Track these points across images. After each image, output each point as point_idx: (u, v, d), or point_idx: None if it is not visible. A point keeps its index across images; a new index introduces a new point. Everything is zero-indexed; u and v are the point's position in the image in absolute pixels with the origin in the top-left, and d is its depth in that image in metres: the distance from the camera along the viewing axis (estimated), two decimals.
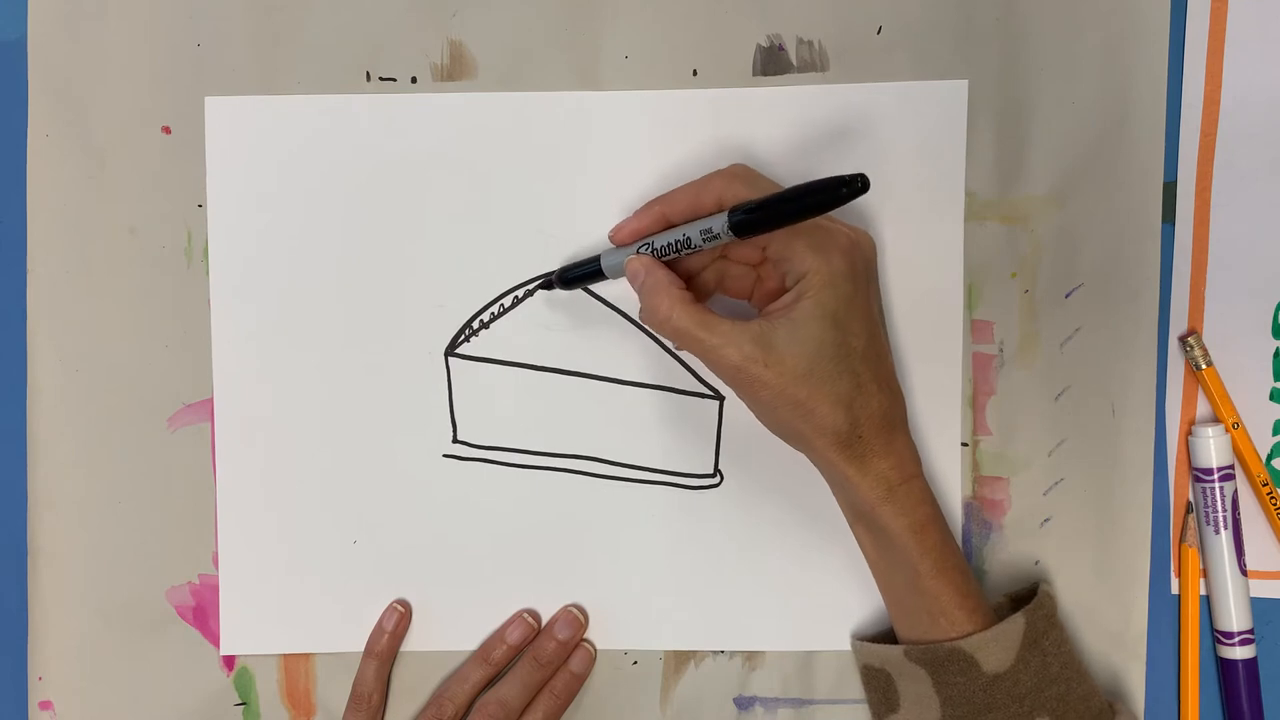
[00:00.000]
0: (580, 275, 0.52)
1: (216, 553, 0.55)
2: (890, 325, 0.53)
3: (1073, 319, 0.53)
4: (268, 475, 0.55)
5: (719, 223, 0.46)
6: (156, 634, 0.55)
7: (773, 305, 0.48)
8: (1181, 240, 0.53)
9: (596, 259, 0.51)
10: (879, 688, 0.51)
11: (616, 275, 0.50)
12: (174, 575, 0.55)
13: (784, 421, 0.47)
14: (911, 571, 0.48)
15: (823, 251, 0.47)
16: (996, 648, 0.47)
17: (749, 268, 0.50)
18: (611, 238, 0.51)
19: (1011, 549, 0.54)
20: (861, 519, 0.49)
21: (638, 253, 0.49)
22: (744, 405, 0.48)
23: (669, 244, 0.48)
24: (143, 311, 0.54)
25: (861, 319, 0.47)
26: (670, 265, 0.49)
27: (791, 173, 0.52)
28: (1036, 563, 0.54)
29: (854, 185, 0.42)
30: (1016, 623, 0.47)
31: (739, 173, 0.49)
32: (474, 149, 0.53)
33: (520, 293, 0.54)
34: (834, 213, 0.44)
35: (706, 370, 0.53)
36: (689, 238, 0.48)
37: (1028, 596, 0.51)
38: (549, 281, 0.53)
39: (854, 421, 0.46)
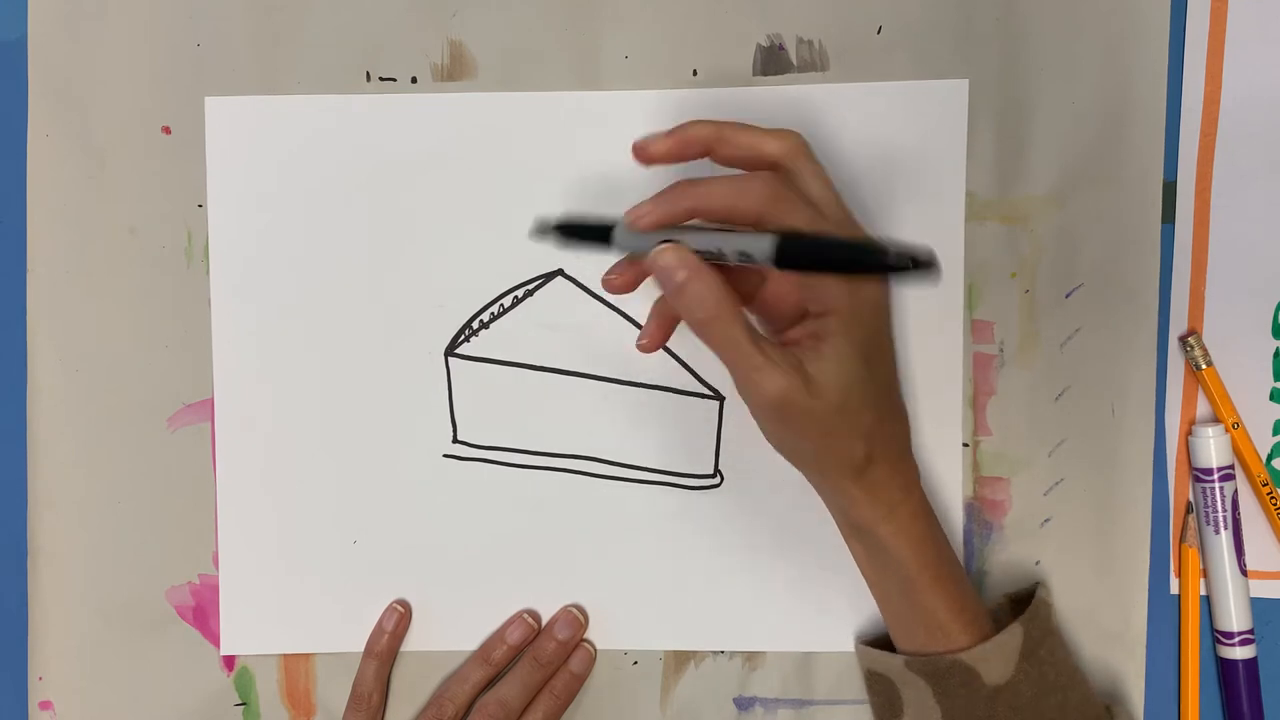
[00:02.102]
0: (582, 235, 0.47)
1: (216, 553, 0.55)
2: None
3: (1073, 319, 0.53)
4: (268, 475, 0.55)
5: (761, 248, 0.42)
6: (156, 634, 0.55)
7: (797, 332, 0.46)
8: (1181, 240, 0.53)
9: (608, 228, 0.46)
10: (883, 693, 0.50)
11: (626, 253, 0.46)
12: (174, 575, 0.55)
13: (802, 450, 0.46)
14: (907, 584, 0.48)
15: (854, 283, 0.44)
16: (997, 660, 0.47)
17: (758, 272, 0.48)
18: (630, 223, 0.45)
19: (1012, 549, 0.54)
20: (857, 534, 0.49)
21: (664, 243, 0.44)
22: (744, 406, 0.48)
23: (698, 252, 0.43)
24: (143, 311, 0.54)
25: (884, 351, 0.47)
26: None
27: None
28: (1037, 563, 0.54)
29: (925, 266, 0.39)
30: (1015, 633, 0.47)
31: (784, 185, 0.44)
32: (474, 149, 0.53)
33: (520, 293, 0.54)
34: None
35: (706, 370, 0.53)
36: (722, 251, 0.43)
37: (1027, 598, 0.51)
38: (543, 225, 0.48)
39: (870, 453, 0.46)
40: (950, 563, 0.48)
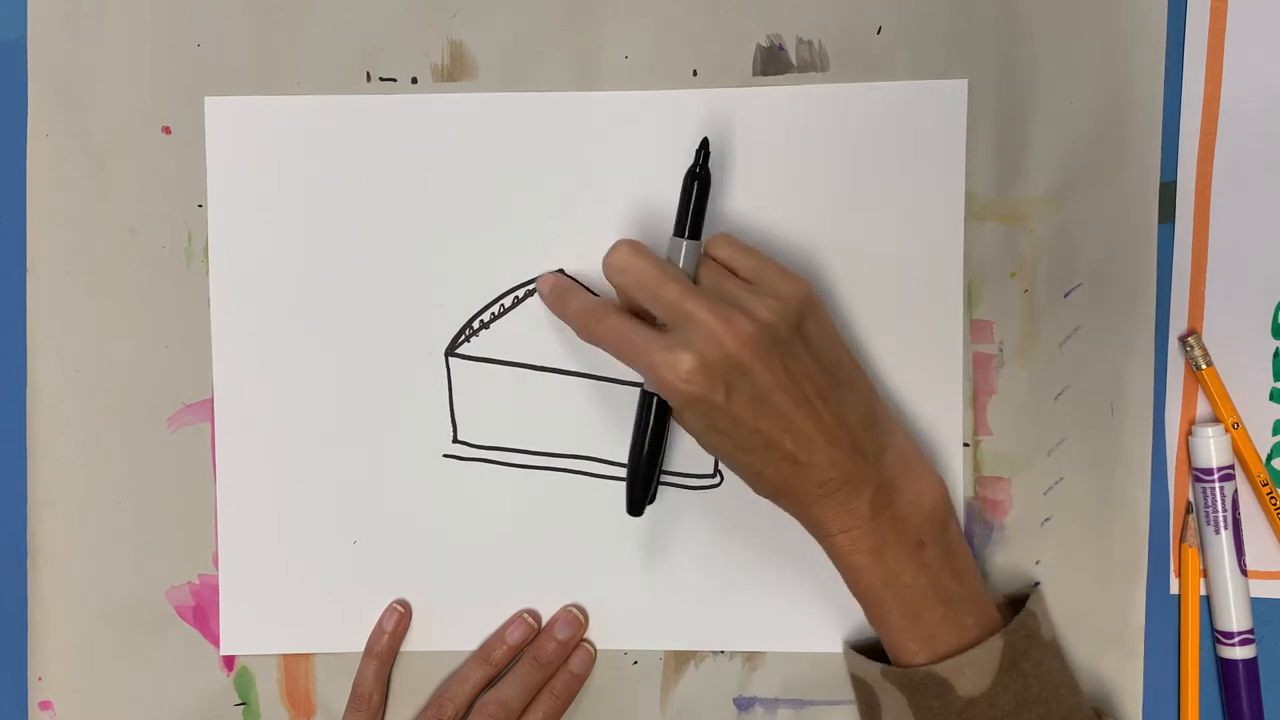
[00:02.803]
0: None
1: (216, 553, 0.55)
2: (890, 325, 0.53)
3: (1072, 318, 0.53)
4: (268, 475, 0.55)
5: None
6: (156, 634, 0.55)
7: None
8: (1181, 240, 0.53)
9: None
10: (864, 698, 0.51)
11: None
12: (174, 575, 0.55)
13: (732, 444, 0.47)
14: (863, 598, 0.48)
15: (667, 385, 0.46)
16: (972, 671, 0.46)
17: None
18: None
19: (1012, 549, 0.54)
20: (818, 539, 0.49)
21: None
22: None
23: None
24: (143, 311, 0.54)
25: (749, 416, 0.46)
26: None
27: (790, 172, 0.53)
28: (1037, 562, 0.53)
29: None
30: (994, 645, 0.47)
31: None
32: (474, 149, 0.53)
33: (520, 293, 0.54)
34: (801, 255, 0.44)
35: None
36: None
37: (1025, 600, 0.50)
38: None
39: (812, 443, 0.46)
40: (912, 585, 0.47)
